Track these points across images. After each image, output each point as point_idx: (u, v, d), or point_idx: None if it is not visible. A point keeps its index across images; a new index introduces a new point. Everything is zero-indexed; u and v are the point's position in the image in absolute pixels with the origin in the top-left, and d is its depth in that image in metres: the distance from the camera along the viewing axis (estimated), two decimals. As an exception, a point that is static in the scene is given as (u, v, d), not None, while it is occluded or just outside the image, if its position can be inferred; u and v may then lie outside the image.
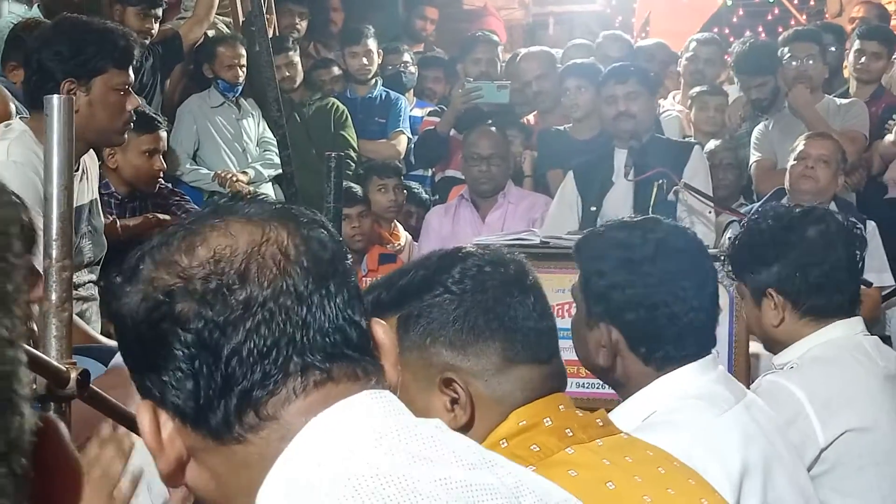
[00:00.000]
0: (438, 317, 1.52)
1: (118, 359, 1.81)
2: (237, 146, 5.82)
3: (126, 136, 3.30)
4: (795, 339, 2.49)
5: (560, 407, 1.53)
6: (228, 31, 6.17)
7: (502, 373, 1.52)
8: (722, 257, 2.76)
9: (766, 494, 1.87)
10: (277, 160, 5.72)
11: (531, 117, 5.87)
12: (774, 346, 2.57)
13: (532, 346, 1.54)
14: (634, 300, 1.94)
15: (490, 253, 1.60)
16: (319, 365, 1.01)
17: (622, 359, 1.98)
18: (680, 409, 1.90)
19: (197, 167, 5.69)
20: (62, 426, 0.98)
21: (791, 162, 4.63)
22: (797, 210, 2.60)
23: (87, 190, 3.26)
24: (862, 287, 2.68)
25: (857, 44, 5.75)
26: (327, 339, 1.02)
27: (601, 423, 1.55)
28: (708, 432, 1.86)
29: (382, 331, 1.09)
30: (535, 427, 1.49)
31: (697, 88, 6.01)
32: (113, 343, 2.18)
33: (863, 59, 5.73)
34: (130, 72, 3.14)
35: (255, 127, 5.91)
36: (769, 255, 2.49)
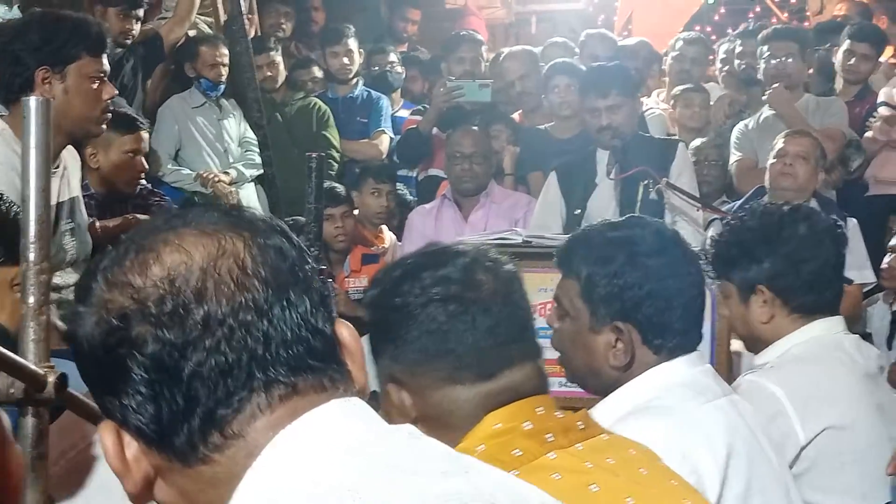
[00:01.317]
0: (395, 330, 1.56)
1: None
2: (219, 146, 5.80)
3: (104, 126, 3.27)
4: (782, 336, 2.49)
5: (538, 410, 1.53)
6: (210, 31, 6.15)
7: (444, 392, 1.55)
8: (705, 256, 2.75)
9: (751, 482, 1.89)
10: (259, 160, 5.71)
11: (515, 116, 5.87)
12: (757, 344, 2.56)
13: (486, 363, 1.55)
14: (648, 292, 1.97)
15: (466, 263, 1.60)
16: (284, 379, 0.98)
17: (636, 357, 1.99)
18: (667, 396, 1.93)
19: (178, 167, 5.67)
20: (4, 419, 0.96)
21: (771, 160, 4.64)
22: (785, 207, 2.61)
23: (67, 187, 3.24)
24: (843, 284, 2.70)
25: (846, 44, 5.76)
26: (290, 352, 0.99)
27: (582, 426, 1.55)
28: (694, 418, 1.89)
29: (348, 333, 1.07)
30: (514, 430, 1.49)
31: (681, 86, 6.03)
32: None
33: (852, 60, 5.75)
34: (105, 60, 3.13)
35: (236, 127, 5.89)
36: (760, 251, 2.49)
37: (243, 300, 0.98)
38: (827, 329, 2.50)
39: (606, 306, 1.98)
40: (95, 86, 3.08)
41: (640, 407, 1.91)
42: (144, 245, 1.00)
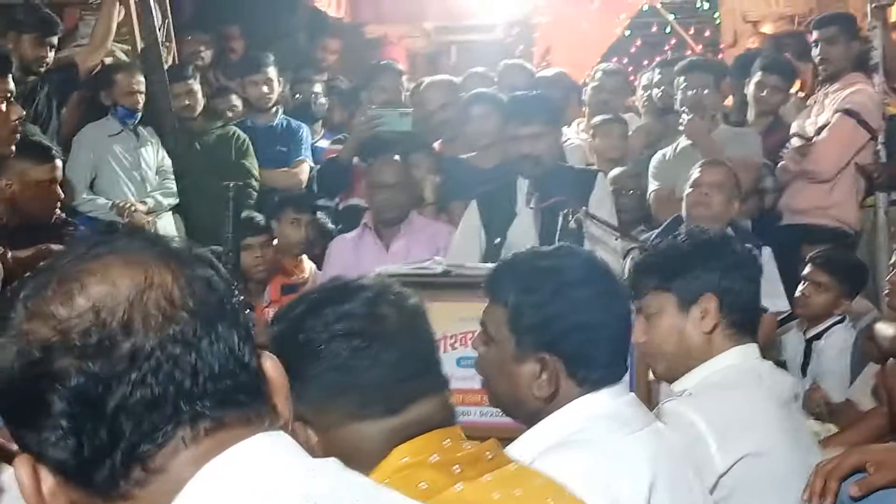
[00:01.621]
0: (299, 368, 1.52)
1: None
2: (136, 175, 5.72)
3: (13, 147, 3.21)
4: (714, 353, 2.49)
5: (445, 442, 1.51)
6: (126, 59, 6.08)
7: (350, 429, 1.53)
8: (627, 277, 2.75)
9: None
10: (176, 189, 5.64)
11: (436, 145, 5.88)
12: (680, 365, 2.54)
13: (392, 399, 1.54)
14: (575, 324, 1.96)
15: (369, 298, 1.58)
16: (210, 413, 0.96)
17: (559, 388, 1.98)
18: (590, 428, 1.92)
19: (94, 196, 5.58)
20: None
21: (687, 189, 4.71)
22: (717, 231, 2.64)
23: None
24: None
25: (758, 75, 5.88)
26: (218, 386, 0.97)
27: (490, 456, 1.53)
28: (617, 451, 1.88)
29: (272, 365, 1.05)
30: (420, 464, 1.47)
31: (600, 117, 6.10)
32: None
33: (764, 92, 5.86)
34: (10, 80, 3.07)
35: (154, 155, 5.82)
36: (709, 260, 2.49)
37: (171, 332, 0.96)
38: (745, 356, 2.52)
39: (532, 336, 1.97)
40: (3, 106, 3.02)
41: (563, 440, 1.90)
42: (68, 274, 0.97)
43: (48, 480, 0.97)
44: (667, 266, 2.52)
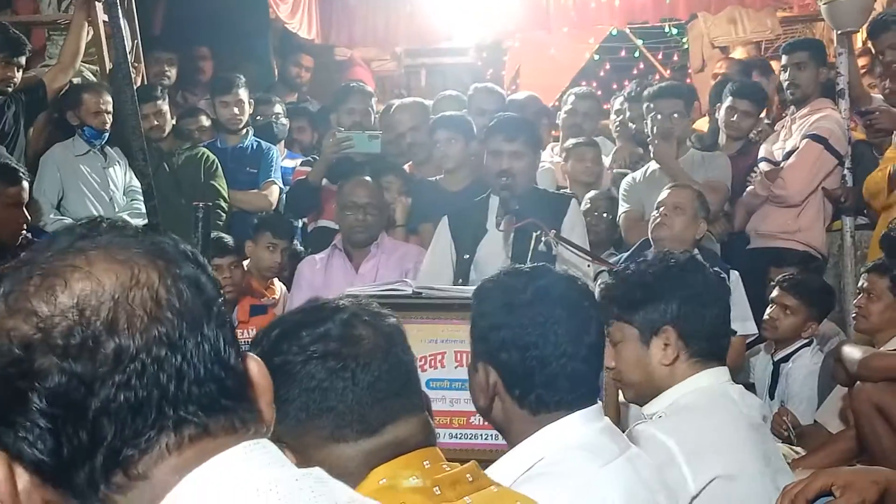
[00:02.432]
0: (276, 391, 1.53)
1: None
2: (103, 195, 5.69)
3: None
4: (677, 381, 2.49)
5: (425, 463, 1.50)
6: (94, 79, 6.05)
7: (328, 451, 1.53)
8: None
9: None
10: (144, 209, 5.60)
11: (406, 168, 5.88)
12: (648, 392, 2.54)
13: (369, 419, 1.53)
14: (508, 341, 1.98)
15: (345, 319, 1.58)
16: (194, 419, 0.94)
17: (501, 401, 2.00)
18: (562, 461, 1.90)
19: (61, 217, 5.53)
20: None
21: (654, 212, 4.74)
22: (682, 256, 2.62)
23: None
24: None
25: (728, 100, 5.92)
26: (203, 390, 0.95)
27: (471, 479, 1.53)
28: (590, 483, 1.87)
29: (257, 368, 1.03)
30: (400, 486, 1.46)
31: (573, 140, 6.13)
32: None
33: (734, 117, 5.90)
34: None
35: (121, 175, 5.79)
36: (668, 293, 2.48)
37: (157, 334, 0.93)
38: (714, 379, 2.52)
39: (476, 345, 2.04)
40: None
41: (533, 473, 1.89)
42: (50, 269, 0.94)
43: (24, 478, 0.94)
44: (628, 297, 2.52)
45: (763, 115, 6.30)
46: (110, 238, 0.97)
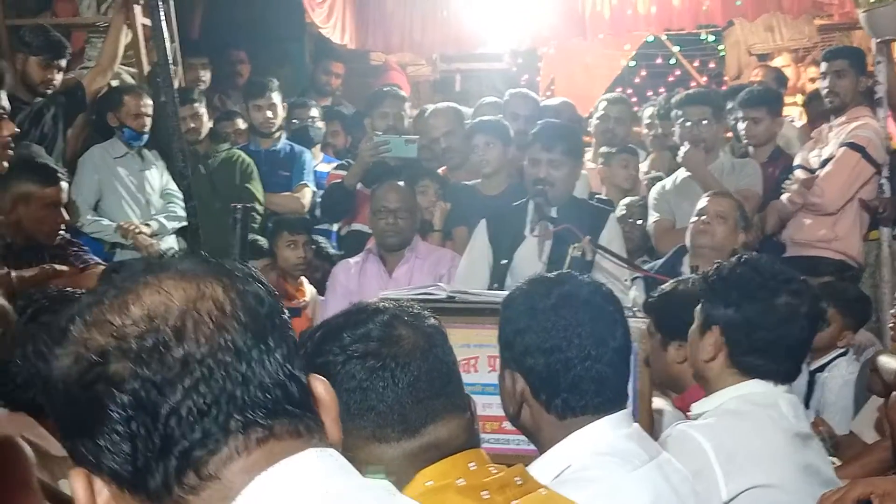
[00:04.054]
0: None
1: None
2: (140, 197, 5.74)
3: (6, 164, 3.20)
4: (718, 381, 2.51)
5: (471, 465, 1.51)
6: (133, 82, 6.10)
7: (369, 451, 1.53)
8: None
9: None
10: (181, 212, 5.64)
11: (441, 171, 5.89)
12: (701, 384, 2.57)
13: (409, 420, 1.54)
14: (532, 345, 1.98)
15: (385, 320, 1.59)
16: (261, 422, 0.98)
17: (529, 408, 2.01)
18: (591, 466, 1.90)
19: (98, 218, 5.59)
20: (26, 450, 0.94)
21: (692, 219, 4.72)
22: (780, 273, 2.56)
23: None
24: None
25: (738, 111, 5.92)
26: (268, 395, 0.99)
27: (520, 482, 1.53)
28: (618, 488, 1.87)
29: (323, 387, 1.07)
30: (448, 488, 1.46)
31: (606, 148, 6.14)
32: None
33: (745, 125, 5.88)
34: (4, 96, 3.07)
35: (158, 178, 5.83)
36: (731, 297, 2.50)
37: (223, 341, 0.98)
38: (765, 388, 2.50)
39: (503, 351, 2.04)
40: None
41: (562, 479, 1.89)
42: (124, 287, 1.01)
43: (103, 493, 0.99)
44: (706, 286, 2.58)
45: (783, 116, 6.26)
46: (178, 261, 1.05)
